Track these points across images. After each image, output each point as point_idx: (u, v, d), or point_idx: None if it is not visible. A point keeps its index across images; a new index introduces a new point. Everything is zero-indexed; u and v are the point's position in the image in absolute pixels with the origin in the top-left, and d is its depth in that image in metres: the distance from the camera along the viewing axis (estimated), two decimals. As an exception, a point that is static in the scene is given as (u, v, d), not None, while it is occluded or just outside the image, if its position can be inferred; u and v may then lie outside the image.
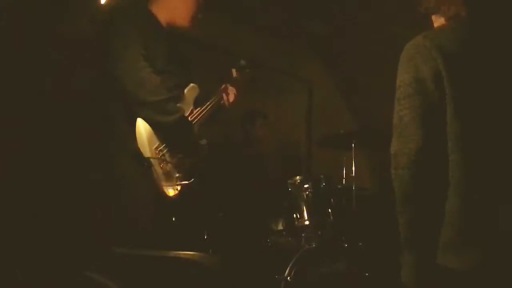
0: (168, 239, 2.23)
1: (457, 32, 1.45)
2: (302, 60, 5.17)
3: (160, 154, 2.20)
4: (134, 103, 2.15)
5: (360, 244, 3.11)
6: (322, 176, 3.19)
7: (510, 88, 1.40)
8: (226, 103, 2.66)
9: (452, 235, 1.36)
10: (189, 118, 2.41)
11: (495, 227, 1.31)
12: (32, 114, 2.72)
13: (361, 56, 4.97)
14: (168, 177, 2.23)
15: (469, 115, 1.36)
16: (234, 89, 2.68)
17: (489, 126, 1.37)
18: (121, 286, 1.81)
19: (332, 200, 3.13)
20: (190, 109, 2.47)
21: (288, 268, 2.66)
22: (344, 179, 3.62)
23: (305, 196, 3.07)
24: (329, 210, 3.09)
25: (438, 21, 1.58)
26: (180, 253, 1.93)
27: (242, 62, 2.88)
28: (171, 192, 2.23)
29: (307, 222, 3.03)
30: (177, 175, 2.30)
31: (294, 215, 3.07)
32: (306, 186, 3.09)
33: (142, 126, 2.14)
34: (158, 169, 2.16)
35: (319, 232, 3.04)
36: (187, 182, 2.30)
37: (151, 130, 2.17)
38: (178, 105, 2.33)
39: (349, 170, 3.58)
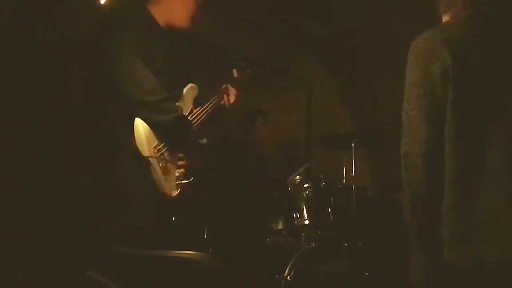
0: (168, 239, 2.23)
1: (465, 27, 1.43)
2: (302, 60, 5.17)
3: (159, 153, 2.20)
4: (132, 104, 2.15)
5: (360, 243, 3.11)
6: (322, 176, 3.19)
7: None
8: (227, 103, 2.66)
9: (449, 233, 1.36)
10: (189, 117, 2.41)
11: (489, 226, 1.31)
12: (31, 114, 2.72)
13: (361, 56, 4.98)
14: (168, 176, 2.23)
15: (467, 119, 1.36)
16: (234, 90, 2.68)
17: (485, 128, 1.35)
18: (121, 286, 1.81)
19: (332, 199, 3.14)
20: (190, 109, 2.47)
21: (288, 267, 2.67)
22: (344, 179, 3.62)
23: (305, 195, 3.08)
24: (329, 210, 3.09)
25: (446, 16, 1.57)
26: (180, 253, 1.93)
27: (243, 62, 2.89)
28: (170, 191, 2.23)
29: (307, 222, 3.03)
30: (177, 174, 2.30)
31: (294, 215, 3.07)
32: (306, 185, 3.09)
33: (140, 126, 2.14)
34: (157, 168, 2.16)
35: (319, 232, 3.05)
36: (186, 181, 2.31)
37: (150, 129, 2.17)
38: (176, 104, 2.33)
39: (349, 170, 3.58)
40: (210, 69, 3.62)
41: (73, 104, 2.62)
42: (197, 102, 2.54)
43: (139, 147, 2.13)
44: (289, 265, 2.67)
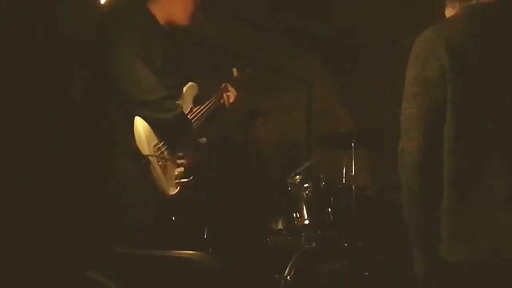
0: (168, 239, 2.23)
1: (465, 26, 1.41)
2: (302, 60, 5.18)
3: (159, 152, 2.20)
4: (132, 103, 2.15)
5: (360, 243, 3.12)
6: (322, 176, 3.19)
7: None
8: (226, 102, 2.66)
9: (447, 233, 1.36)
10: (189, 116, 2.41)
11: (487, 226, 1.31)
12: (31, 114, 2.72)
13: (361, 56, 4.98)
14: (167, 175, 2.23)
15: (466, 119, 1.35)
16: (234, 90, 2.68)
17: (484, 129, 1.35)
18: (121, 286, 1.81)
19: (332, 199, 3.14)
20: (190, 108, 2.47)
21: (288, 267, 2.67)
22: (344, 179, 3.62)
23: (305, 195, 3.08)
24: (329, 210, 3.09)
25: (450, 11, 1.56)
26: (180, 253, 1.93)
27: (243, 61, 2.89)
28: (170, 190, 2.23)
29: (307, 222, 3.03)
30: (176, 173, 2.30)
31: (294, 215, 3.07)
32: (306, 185, 3.10)
33: (140, 124, 2.14)
34: (157, 167, 2.16)
35: (319, 232, 3.05)
36: (186, 180, 2.30)
37: (149, 128, 2.17)
38: (177, 102, 2.33)
39: (349, 170, 3.59)
40: (210, 68, 3.62)
41: (73, 103, 2.62)
42: (197, 101, 2.54)
43: (139, 146, 2.12)
44: (289, 265, 2.67)
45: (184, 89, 2.47)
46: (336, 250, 3.01)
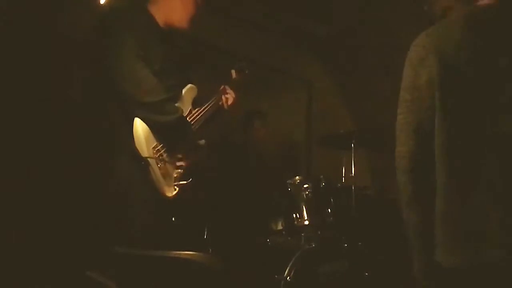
0: (168, 239, 2.23)
1: (457, 33, 1.40)
2: (302, 60, 5.18)
3: (158, 154, 2.20)
4: (132, 104, 2.15)
5: (360, 243, 3.11)
6: (321, 176, 3.19)
7: (501, 96, 1.35)
8: (225, 105, 2.66)
9: (442, 236, 1.37)
10: (188, 118, 2.41)
11: (481, 229, 1.31)
12: (31, 114, 2.72)
13: (361, 56, 4.98)
14: (167, 177, 2.23)
15: (455, 126, 1.36)
16: (233, 92, 2.67)
17: (474, 134, 1.34)
18: (121, 286, 1.81)
19: (331, 199, 3.13)
20: (189, 110, 2.47)
21: (288, 268, 2.67)
22: (343, 179, 3.62)
23: (304, 196, 3.08)
24: (329, 210, 3.09)
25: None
26: (180, 253, 1.93)
27: (241, 62, 2.88)
28: (169, 192, 2.23)
29: (306, 222, 3.03)
30: (175, 175, 2.30)
31: (294, 215, 3.07)
32: (305, 186, 3.09)
33: (139, 126, 2.14)
34: (156, 168, 2.16)
35: (319, 232, 3.05)
36: (185, 182, 2.31)
37: (149, 129, 2.17)
38: (176, 105, 2.33)
39: (348, 170, 3.58)
40: (210, 69, 3.62)
41: (73, 104, 2.62)
42: (196, 102, 2.54)
43: (138, 148, 2.12)
44: (289, 265, 2.67)
45: (184, 91, 2.47)
46: (336, 250, 3.01)
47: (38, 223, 2.52)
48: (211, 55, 4.17)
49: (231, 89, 2.69)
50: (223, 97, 2.65)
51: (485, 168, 1.31)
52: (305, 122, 5.39)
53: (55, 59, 2.89)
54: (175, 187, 2.27)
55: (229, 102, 2.65)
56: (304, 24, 4.88)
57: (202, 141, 2.41)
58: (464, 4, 1.49)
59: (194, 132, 2.39)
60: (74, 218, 2.39)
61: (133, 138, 2.12)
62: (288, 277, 2.64)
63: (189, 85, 2.51)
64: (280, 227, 3.21)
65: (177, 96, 2.40)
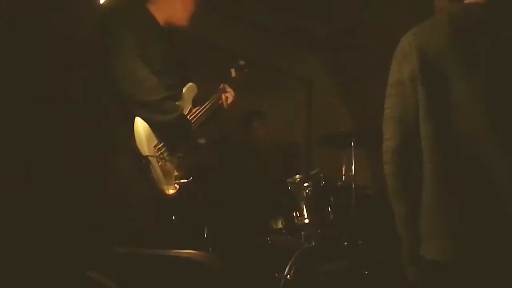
0: (168, 238, 2.23)
1: (446, 29, 1.42)
2: (302, 60, 5.17)
3: (159, 153, 2.20)
4: (132, 104, 2.15)
5: (360, 242, 3.11)
6: (321, 175, 3.19)
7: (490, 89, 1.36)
8: (225, 103, 2.66)
9: (426, 227, 1.38)
10: (188, 117, 2.41)
11: (466, 221, 1.32)
12: (31, 114, 2.72)
13: (361, 56, 4.98)
14: (167, 176, 2.23)
15: (437, 121, 1.37)
16: (232, 91, 2.68)
17: (456, 129, 1.35)
18: (121, 286, 1.81)
19: (331, 198, 3.13)
20: (189, 108, 2.48)
21: (288, 266, 2.67)
22: (343, 178, 3.62)
23: (304, 194, 3.08)
24: (329, 209, 3.09)
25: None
26: (180, 252, 1.93)
27: (241, 62, 2.89)
28: (170, 190, 2.24)
29: (306, 221, 3.03)
30: (176, 173, 2.30)
31: (294, 214, 3.07)
32: (305, 184, 3.10)
33: (140, 125, 2.15)
34: (156, 167, 2.16)
35: (319, 231, 3.05)
36: (185, 180, 2.31)
37: (150, 128, 2.18)
38: (177, 103, 2.33)
39: (348, 169, 3.58)
40: (210, 68, 3.62)
41: (73, 104, 2.63)
42: (196, 101, 2.55)
43: (139, 147, 2.13)
44: (289, 264, 2.67)
45: (184, 90, 2.47)
46: (336, 249, 3.01)
47: (38, 223, 2.52)
48: (211, 54, 4.17)
49: (230, 87, 2.69)
50: (222, 96, 2.65)
51: (469, 161, 1.33)
52: (305, 122, 5.39)
53: (55, 59, 2.90)
54: (176, 185, 2.28)
55: (229, 100, 2.66)
56: (304, 24, 4.88)
57: (202, 140, 2.41)
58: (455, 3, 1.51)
59: (194, 131, 2.40)
60: (74, 218, 2.39)
61: (134, 137, 2.13)
62: (288, 276, 2.64)
63: (190, 84, 2.51)
64: (280, 225, 3.21)
65: (178, 95, 2.40)
